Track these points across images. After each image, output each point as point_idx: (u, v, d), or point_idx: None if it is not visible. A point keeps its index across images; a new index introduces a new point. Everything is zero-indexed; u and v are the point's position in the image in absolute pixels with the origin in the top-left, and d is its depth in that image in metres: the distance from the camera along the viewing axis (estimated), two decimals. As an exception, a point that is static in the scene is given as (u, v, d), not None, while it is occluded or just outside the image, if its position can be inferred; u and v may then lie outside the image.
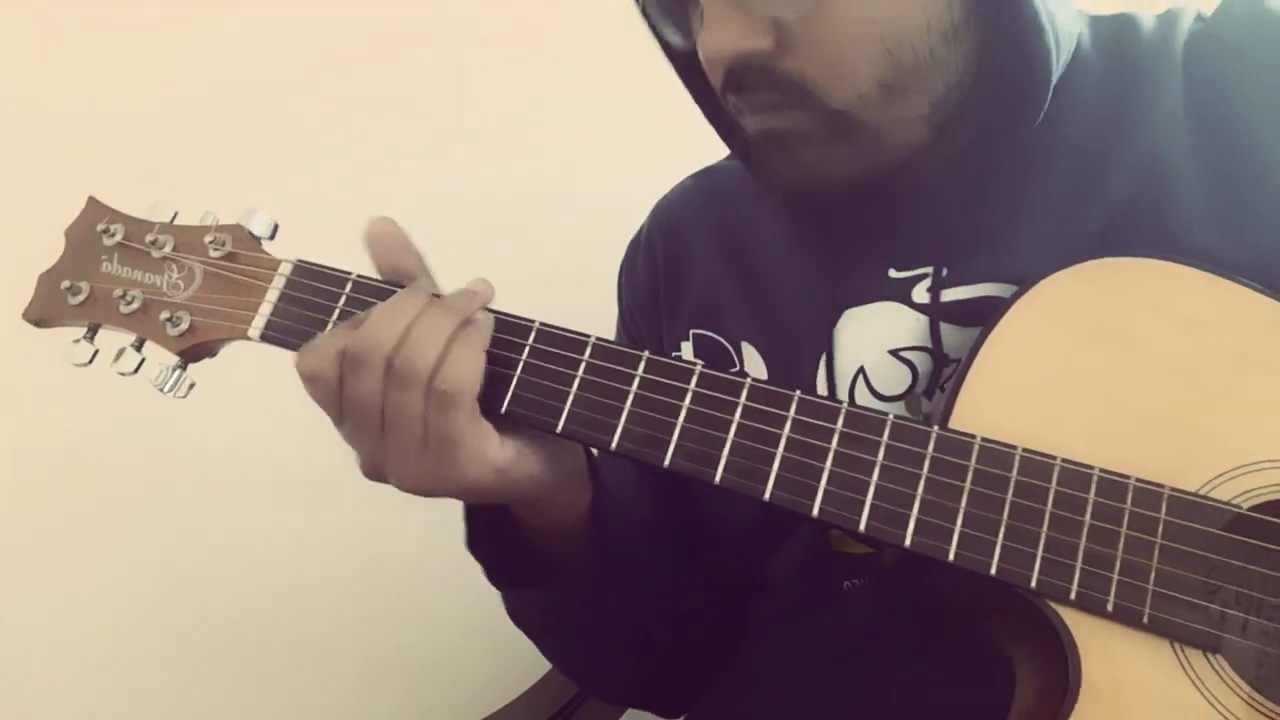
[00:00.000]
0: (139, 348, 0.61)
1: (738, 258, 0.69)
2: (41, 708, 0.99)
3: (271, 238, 0.62)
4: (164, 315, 0.60)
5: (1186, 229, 0.56)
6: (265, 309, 0.58)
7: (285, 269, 0.59)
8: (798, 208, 0.64)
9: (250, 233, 0.61)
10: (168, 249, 0.61)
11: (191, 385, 0.61)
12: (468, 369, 0.52)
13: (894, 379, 0.60)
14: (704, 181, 0.77)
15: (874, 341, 0.61)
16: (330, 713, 1.06)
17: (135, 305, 0.61)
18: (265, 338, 0.58)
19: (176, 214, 0.64)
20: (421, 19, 1.11)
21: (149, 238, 0.62)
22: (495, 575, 0.64)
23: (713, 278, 0.70)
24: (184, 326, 0.60)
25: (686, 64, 0.62)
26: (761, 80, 0.55)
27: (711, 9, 0.54)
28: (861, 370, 0.61)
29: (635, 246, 0.78)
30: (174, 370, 0.60)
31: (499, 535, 0.62)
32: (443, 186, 1.09)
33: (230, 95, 1.04)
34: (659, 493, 0.70)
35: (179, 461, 1.02)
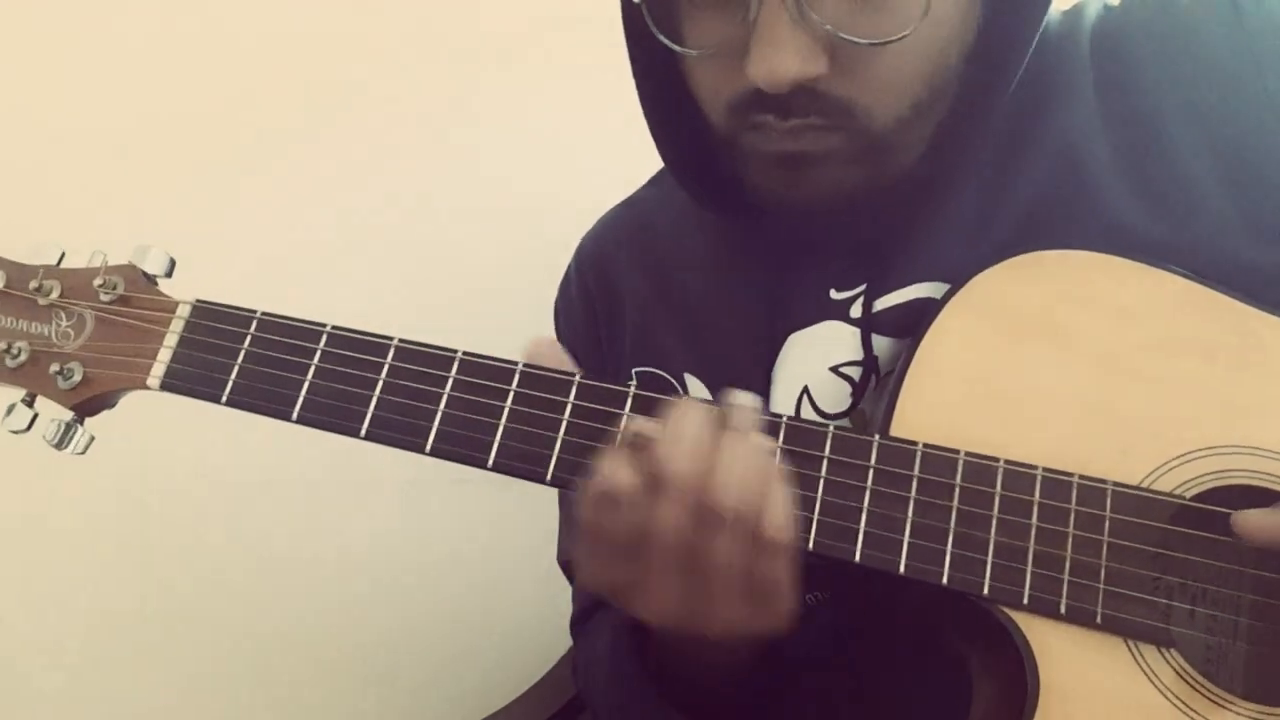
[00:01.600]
0: (30, 403, 0.57)
1: (667, 290, 0.67)
2: (38, 706, 0.97)
3: (168, 275, 0.58)
4: (54, 367, 0.56)
5: (1107, 212, 0.55)
6: (164, 355, 0.54)
7: (183, 311, 0.55)
8: (747, 226, 0.62)
9: (144, 272, 0.57)
10: (54, 295, 0.57)
11: (90, 440, 0.57)
12: (791, 510, 0.47)
13: (836, 395, 0.59)
14: (626, 214, 0.75)
15: (816, 360, 0.60)
16: (329, 713, 1.04)
17: (22, 358, 0.56)
18: (166, 386, 0.54)
19: (64, 255, 0.59)
20: (370, 28, 1.08)
21: (33, 284, 0.57)
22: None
23: (644, 311, 0.68)
24: (76, 379, 0.55)
25: (663, 72, 0.58)
26: (810, 104, 0.51)
27: (774, 28, 0.49)
28: (806, 390, 0.60)
29: (567, 284, 0.76)
30: (70, 425, 0.56)
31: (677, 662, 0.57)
32: (368, 206, 1.06)
33: (128, 119, 0.99)
34: None
35: (177, 460, 0.99)
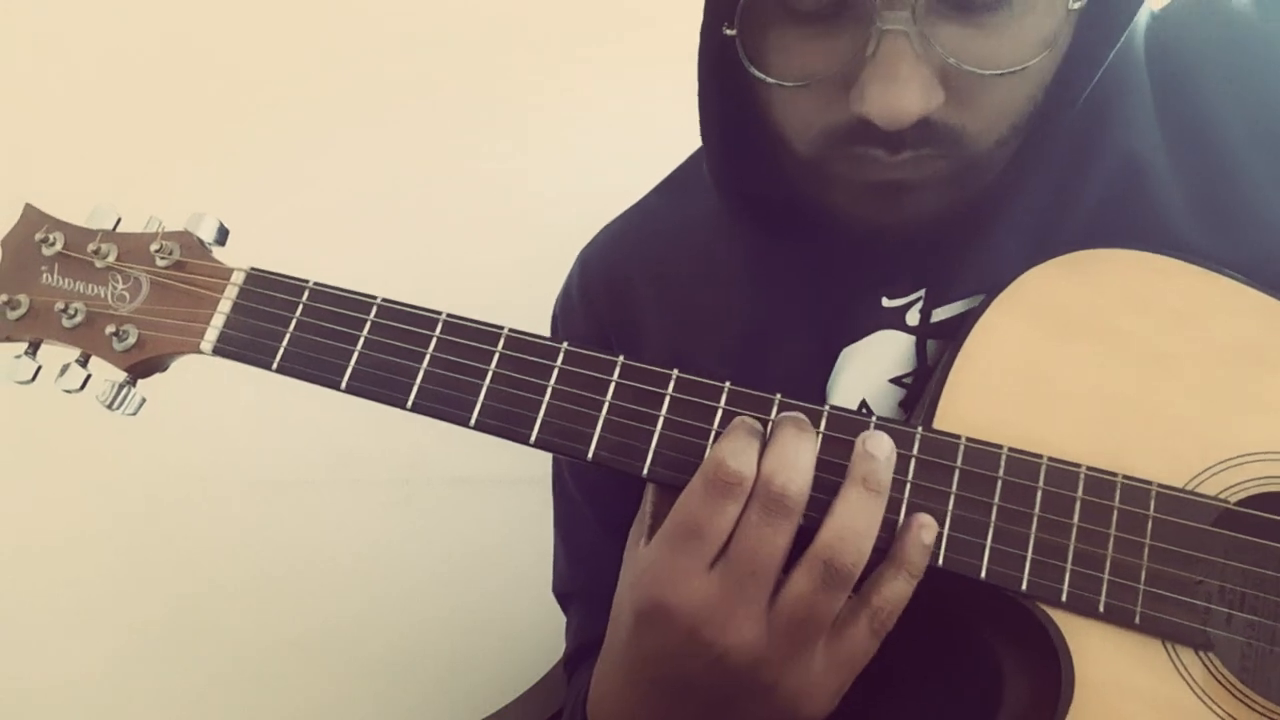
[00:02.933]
0: (84, 363, 0.58)
1: (695, 309, 0.65)
2: (36, 707, 0.98)
3: (222, 243, 0.59)
4: (109, 329, 0.57)
5: (1169, 225, 0.55)
6: (218, 321, 0.55)
7: (238, 278, 0.56)
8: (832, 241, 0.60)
9: (199, 239, 0.58)
10: (111, 258, 0.58)
11: (142, 402, 0.58)
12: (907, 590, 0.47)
13: (896, 406, 0.58)
14: (634, 226, 0.71)
15: (874, 372, 0.58)
16: (330, 713, 1.05)
17: (79, 319, 0.58)
18: (218, 351, 0.55)
19: (119, 220, 0.60)
20: (394, 14, 1.08)
21: (91, 247, 0.58)
22: None
23: (668, 332, 0.65)
24: (131, 341, 0.57)
25: (736, 97, 0.56)
26: (923, 137, 0.49)
27: (896, 64, 0.47)
28: (864, 403, 0.58)
29: (567, 298, 0.72)
30: (122, 387, 0.57)
31: None
32: (407, 187, 1.07)
33: (178, 94, 1.00)
34: (620, 519, 0.68)
35: (175, 463, 1.00)
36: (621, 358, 0.52)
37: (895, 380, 0.58)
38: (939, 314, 0.58)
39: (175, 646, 1.01)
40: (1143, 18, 0.60)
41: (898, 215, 0.54)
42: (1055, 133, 0.54)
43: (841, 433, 0.50)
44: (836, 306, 0.60)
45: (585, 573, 0.72)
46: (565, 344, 0.53)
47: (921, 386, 0.58)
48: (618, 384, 0.52)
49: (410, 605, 1.06)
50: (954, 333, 0.56)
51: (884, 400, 0.58)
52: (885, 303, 0.59)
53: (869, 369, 0.59)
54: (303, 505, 1.02)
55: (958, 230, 0.57)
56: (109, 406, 0.58)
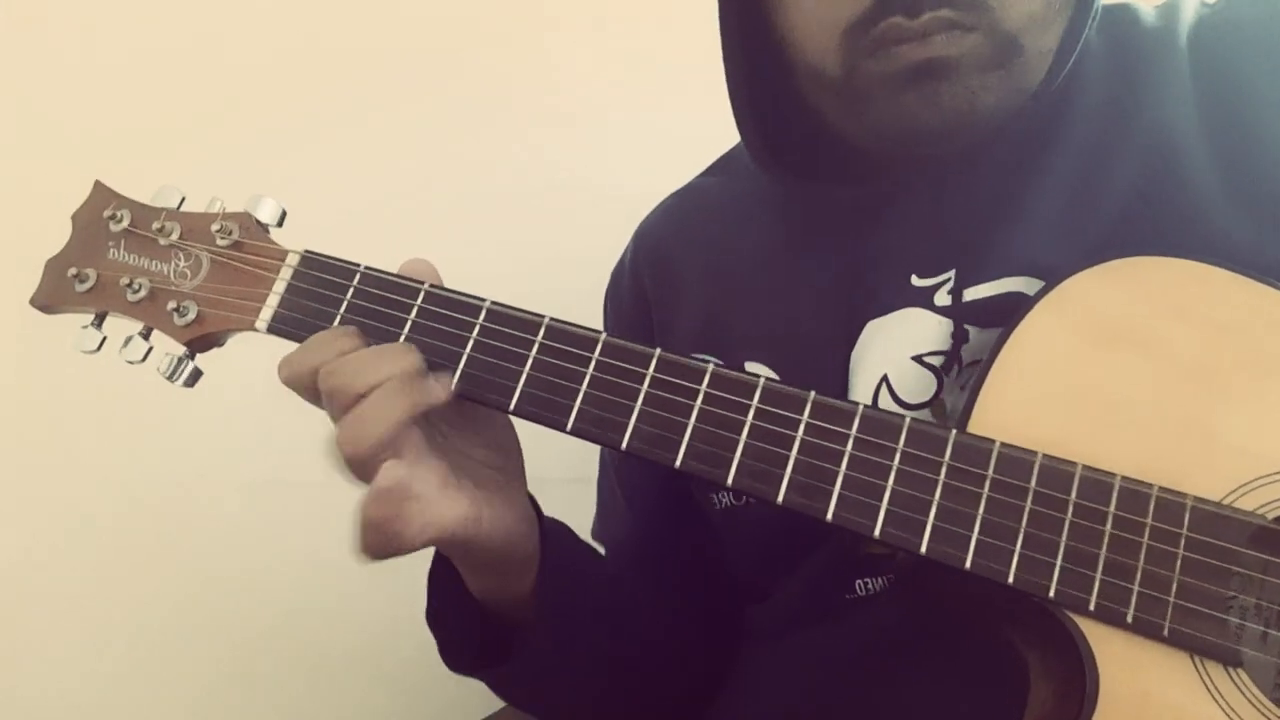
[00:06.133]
0: (146, 336, 0.61)
1: (731, 276, 0.67)
2: (33, 707, 0.98)
3: (279, 225, 0.62)
4: (171, 304, 0.59)
5: (1204, 214, 0.54)
6: (272, 300, 0.57)
7: (292, 260, 0.58)
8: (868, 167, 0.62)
9: (257, 220, 0.60)
10: (174, 236, 0.61)
11: (199, 374, 0.61)
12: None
13: (918, 385, 0.59)
14: (685, 199, 0.74)
15: (898, 348, 0.59)
16: (329, 713, 1.06)
17: (142, 293, 0.60)
18: (272, 329, 0.57)
19: (184, 199, 0.63)
20: (434, 5, 1.10)
21: (155, 224, 0.61)
22: (451, 654, 0.64)
23: (704, 299, 0.67)
24: (191, 316, 0.59)
25: (756, 39, 0.59)
26: None
27: None
28: (885, 378, 0.59)
29: (620, 273, 0.75)
30: (181, 360, 0.60)
31: (461, 607, 0.62)
32: (454, 174, 1.08)
33: (239, 79, 1.03)
34: (657, 524, 0.70)
35: (178, 461, 1.01)
36: (659, 351, 0.53)
37: (917, 358, 0.59)
38: (969, 294, 0.58)
39: (175, 647, 1.01)
40: (1190, 7, 0.60)
41: (941, 109, 0.53)
42: (1074, 113, 0.55)
43: (872, 435, 0.50)
44: (865, 280, 0.61)
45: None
46: (604, 335, 0.54)
47: (949, 366, 0.58)
48: (654, 377, 0.53)
49: (412, 605, 1.07)
50: (987, 314, 0.57)
51: (905, 377, 0.59)
52: (915, 281, 0.60)
53: (892, 344, 0.59)
54: (304, 505, 1.01)
55: (982, 206, 0.58)
56: (168, 378, 0.60)
